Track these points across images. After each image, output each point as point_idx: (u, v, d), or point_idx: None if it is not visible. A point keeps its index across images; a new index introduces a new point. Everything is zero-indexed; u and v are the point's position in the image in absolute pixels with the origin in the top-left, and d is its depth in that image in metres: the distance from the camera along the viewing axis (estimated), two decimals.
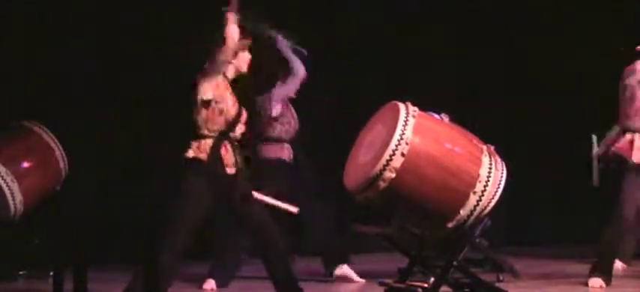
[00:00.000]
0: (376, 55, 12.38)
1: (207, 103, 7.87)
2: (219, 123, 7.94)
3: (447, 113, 7.94)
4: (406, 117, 7.48)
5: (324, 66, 10.59)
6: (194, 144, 7.91)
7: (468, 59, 12.92)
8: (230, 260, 9.51)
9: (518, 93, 13.06)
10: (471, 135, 7.80)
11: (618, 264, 9.88)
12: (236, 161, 7.99)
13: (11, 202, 9.76)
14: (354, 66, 12.69)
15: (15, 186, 9.77)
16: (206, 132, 7.91)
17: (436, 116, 7.84)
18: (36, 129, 10.14)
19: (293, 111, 9.91)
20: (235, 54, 8.08)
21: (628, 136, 9.44)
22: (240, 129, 8.08)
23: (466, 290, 7.88)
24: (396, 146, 7.40)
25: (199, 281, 9.61)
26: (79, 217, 7.04)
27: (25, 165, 9.98)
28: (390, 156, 7.40)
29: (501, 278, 9.12)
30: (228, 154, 7.97)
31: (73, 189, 10.20)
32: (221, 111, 7.94)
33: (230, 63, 8.05)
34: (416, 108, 7.54)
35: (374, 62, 12.31)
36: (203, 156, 7.87)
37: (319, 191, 9.85)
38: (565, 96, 12.58)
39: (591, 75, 12.41)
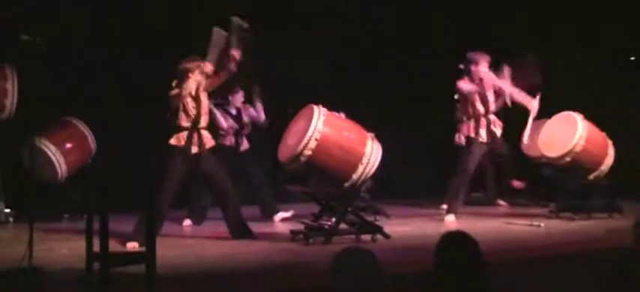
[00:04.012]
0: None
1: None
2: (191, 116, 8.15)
3: (343, 111, 8.26)
4: (318, 115, 7.85)
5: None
6: (174, 135, 8.13)
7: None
8: (200, 208, 9.28)
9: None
10: (359, 126, 8.20)
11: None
12: (201, 143, 8.14)
13: (59, 170, 9.66)
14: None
15: (61, 160, 9.65)
16: (183, 124, 8.13)
17: (337, 114, 8.18)
18: (74, 121, 10.04)
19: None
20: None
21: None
22: (204, 120, 8.25)
23: (356, 226, 8.14)
24: (312, 134, 7.76)
25: (181, 221, 9.53)
26: (103, 180, 6.94)
27: (68, 146, 9.93)
28: (308, 140, 7.75)
29: (378, 218, 9.10)
30: (197, 139, 8.17)
31: (99, 161, 10.03)
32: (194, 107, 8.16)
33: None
34: (325, 109, 7.96)
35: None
36: (181, 143, 8.11)
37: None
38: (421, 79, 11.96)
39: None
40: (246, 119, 9.81)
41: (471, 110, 9.61)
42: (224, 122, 9.53)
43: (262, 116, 9.80)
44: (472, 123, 9.60)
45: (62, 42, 9.58)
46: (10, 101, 9.31)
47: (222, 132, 9.55)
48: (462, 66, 9.59)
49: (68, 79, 10.22)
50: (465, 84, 9.54)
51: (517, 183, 9.97)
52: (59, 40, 9.45)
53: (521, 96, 9.62)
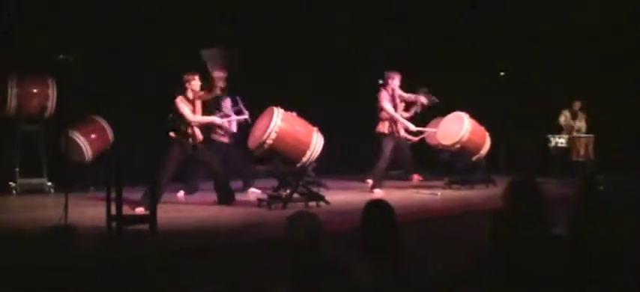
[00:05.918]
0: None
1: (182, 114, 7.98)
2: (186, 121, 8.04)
3: (294, 111, 8.08)
4: (277, 114, 7.79)
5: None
6: (175, 131, 8.03)
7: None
8: (193, 183, 9.08)
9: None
10: (307, 122, 8.05)
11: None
12: (193, 137, 8.01)
13: (86, 154, 9.46)
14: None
15: (88, 146, 9.46)
16: (181, 122, 8.03)
17: (291, 113, 8.04)
18: (97, 118, 9.82)
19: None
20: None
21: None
22: (197, 120, 8.09)
23: (304, 195, 8.08)
24: (272, 128, 7.72)
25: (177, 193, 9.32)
26: (119, 161, 6.83)
27: (92, 136, 9.74)
28: (269, 133, 7.71)
29: (320, 189, 8.91)
30: (192, 134, 8.02)
31: (116, 147, 9.83)
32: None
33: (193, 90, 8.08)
34: (282, 110, 7.88)
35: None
36: (178, 137, 8.00)
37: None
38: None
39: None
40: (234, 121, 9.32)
41: (385, 114, 9.42)
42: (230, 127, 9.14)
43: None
44: (387, 123, 9.45)
45: (89, 58, 9.44)
46: (51, 104, 9.37)
47: (221, 132, 9.10)
48: (381, 81, 9.46)
49: (94, 87, 10.02)
50: (384, 100, 9.33)
51: (417, 176, 9.86)
52: (87, 56, 9.32)
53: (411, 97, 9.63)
